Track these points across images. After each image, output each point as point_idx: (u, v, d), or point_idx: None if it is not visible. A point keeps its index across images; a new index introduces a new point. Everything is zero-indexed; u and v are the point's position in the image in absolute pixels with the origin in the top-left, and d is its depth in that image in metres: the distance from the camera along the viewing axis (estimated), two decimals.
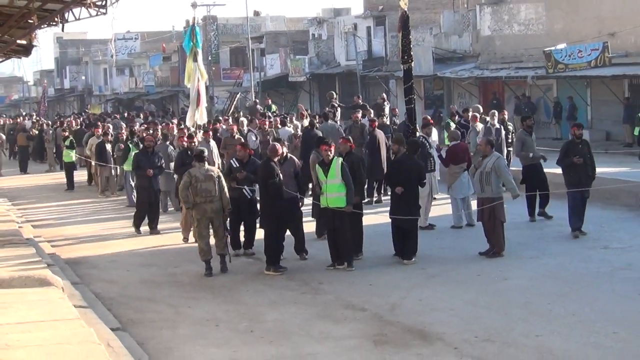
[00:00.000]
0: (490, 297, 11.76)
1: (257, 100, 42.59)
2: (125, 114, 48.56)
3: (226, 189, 14.11)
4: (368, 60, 45.59)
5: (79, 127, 34.72)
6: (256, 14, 65.20)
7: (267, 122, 24.23)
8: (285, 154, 14.75)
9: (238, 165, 15.02)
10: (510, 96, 35.59)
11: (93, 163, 25.66)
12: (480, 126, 21.08)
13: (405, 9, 16.30)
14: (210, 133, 20.45)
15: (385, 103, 28.91)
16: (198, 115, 17.59)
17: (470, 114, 22.16)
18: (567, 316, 10.69)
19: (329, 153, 13.67)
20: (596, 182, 16.19)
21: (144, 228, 18.05)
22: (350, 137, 16.40)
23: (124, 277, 14.12)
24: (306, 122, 23.98)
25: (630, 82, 30.07)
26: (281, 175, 13.92)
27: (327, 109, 27.99)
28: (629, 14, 37.27)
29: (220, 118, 30.93)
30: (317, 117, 25.36)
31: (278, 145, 14.55)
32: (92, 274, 14.39)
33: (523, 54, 36.03)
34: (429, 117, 21.73)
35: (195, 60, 17.28)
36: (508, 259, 13.98)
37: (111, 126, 28.81)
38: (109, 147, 24.46)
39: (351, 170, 13.94)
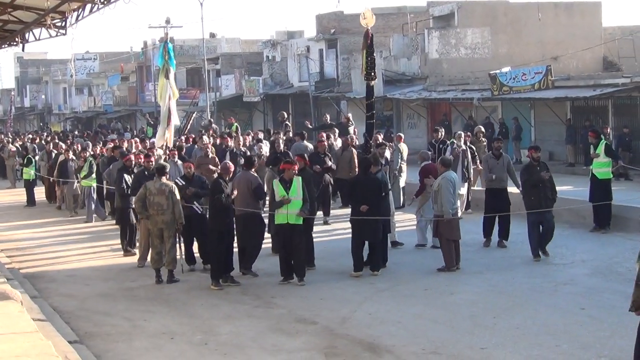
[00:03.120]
0: (437, 310, 12.06)
1: (212, 120, 42.84)
2: (91, 133, 48.61)
3: (179, 203, 14.58)
4: (320, 82, 46.09)
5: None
6: (212, 36, 65.37)
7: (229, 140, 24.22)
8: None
9: (184, 182, 15.37)
10: (457, 117, 36.26)
11: (52, 179, 25.77)
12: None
13: (369, 28, 16.48)
14: (176, 152, 20.26)
15: (350, 123, 29.30)
16: (168, 135, 17.48)
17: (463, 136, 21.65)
18: (511, 329, 10.97)
19: (293, 171, 14.07)
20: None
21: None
22: (305, 155, 16.76)
23: (82, 291, 14.24)
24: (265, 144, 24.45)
25: (572, 104, 30.74)
26: (234, 192, 14.29)
27: (285, 129, 28.47)
28: (570, 39, 38.48)
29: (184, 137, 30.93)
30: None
31: (230, 164, 15.02)
32: (50, 288, 14.48)
33: (469, 77, 36.90)
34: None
35: (167, 77, 17.20)
36: (455, 274, 14.35)
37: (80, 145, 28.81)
38: (71, 164, 24.55)
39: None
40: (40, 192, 28.28)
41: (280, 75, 51.24)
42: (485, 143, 22.84)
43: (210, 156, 20.72)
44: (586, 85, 29.86)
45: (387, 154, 19.95)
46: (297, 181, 14.01)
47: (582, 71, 36.32)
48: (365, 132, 17.92)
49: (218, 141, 24.97)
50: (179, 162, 18.98)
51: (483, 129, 24.24)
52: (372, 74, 16.67)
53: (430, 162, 17.51)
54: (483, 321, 11.43)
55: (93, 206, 22.64)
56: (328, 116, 31.93)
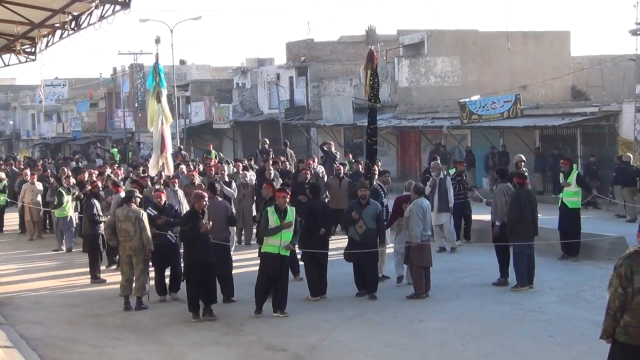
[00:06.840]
0: (407, 338, 12.06)
1: (182, 147, 42.79)
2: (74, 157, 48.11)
3: (147, 229, 14.51)
4: (290, 109, 46.30)
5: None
6: (182, 62, 65.42)
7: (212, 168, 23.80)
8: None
9: (155, 212, 15.23)
10: (427, 145, 36.48)
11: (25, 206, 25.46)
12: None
13: (372, 47, 15.92)
14: (177, 180, 19.16)
15: (334, 150, 29.23)
16: (163, 163, 16.49)
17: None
18: (480, 357, 11.01)
19: (287, 200, 13.76)
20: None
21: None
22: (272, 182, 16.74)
23: (49, 318, 14.13)
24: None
25: (541, 133, 31.05)
26: (209, 223, 13.91)
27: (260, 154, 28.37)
28: (539, 68, 38.93)
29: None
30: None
31: (203, 194, 14.84)
32: (17, 315, 14.35)
33: (439, 105, 37.19)
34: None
35: (159, 101, 16.07)
36: (424, 302, 14.35)
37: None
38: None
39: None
40: (12, 219, 27.93)
41: (250, 103, 51.38)
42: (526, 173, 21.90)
43: (196, 183, 19.79)
44: (555, 114, 30.21)
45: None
46: (292, 211, 13.67)
47: (551, 100, 36.74)
48: (367, 158, 17.47)
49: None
50: (179, 191, 18.46)
51: (524, 158, 21.26)
52: (378, 96, 16.07)
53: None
54: (452, 349, 11.44)
55: (69, 235, 22.39)
56: (332, 144, 30.85)
